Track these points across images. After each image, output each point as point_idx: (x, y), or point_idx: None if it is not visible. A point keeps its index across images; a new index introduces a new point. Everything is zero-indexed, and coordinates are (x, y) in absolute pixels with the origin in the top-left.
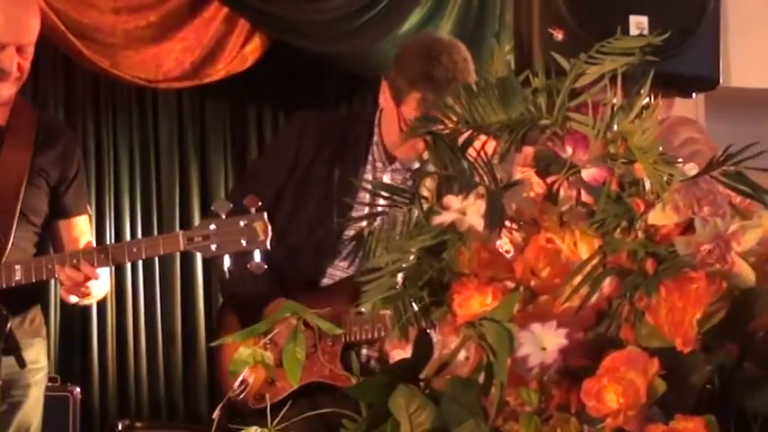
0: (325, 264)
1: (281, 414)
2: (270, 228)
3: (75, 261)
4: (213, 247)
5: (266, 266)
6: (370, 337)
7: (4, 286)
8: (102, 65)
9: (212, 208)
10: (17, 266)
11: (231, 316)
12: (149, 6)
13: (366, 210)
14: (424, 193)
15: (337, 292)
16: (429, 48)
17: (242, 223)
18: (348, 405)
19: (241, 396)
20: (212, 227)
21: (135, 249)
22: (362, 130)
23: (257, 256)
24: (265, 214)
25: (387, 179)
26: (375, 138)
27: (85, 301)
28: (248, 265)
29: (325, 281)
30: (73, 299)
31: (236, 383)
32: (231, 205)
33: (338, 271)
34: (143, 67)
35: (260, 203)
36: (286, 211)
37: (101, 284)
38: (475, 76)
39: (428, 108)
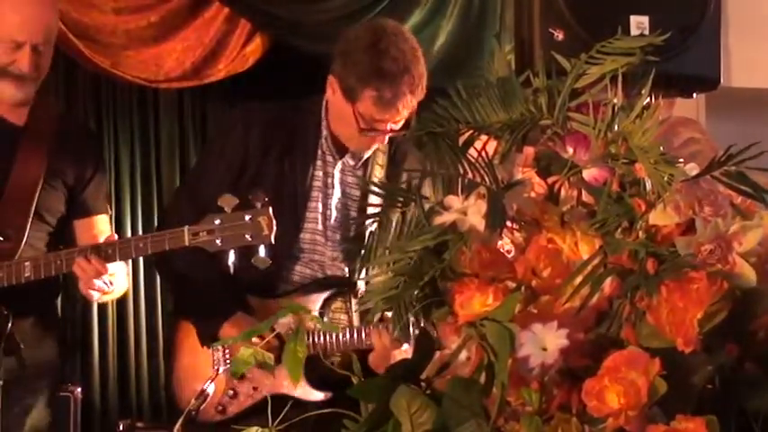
0: (279, 269)
1: (279, 416)
2: (275, 222)
3: (86, 255)
4: (218, 241)
5: (270, 261)
6: (333, 348)
7: (14, 283)
8: (102, 65)
9: (218, 203)
10: (26, 263)
11: (186, 324)
12: (150, 6)
13: (320, 210)
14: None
15: (297, 299)
16: (375, 40)
17: (247, 218)
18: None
19: (201, 407)
20: (217, 222)
21: (141, 245)
22: (310, 122)
23: (262, 250)
24: (270, 209)
25: (337, 173)
26: (324, 132)
27: (105, 298)
28: (252, 260)
29: (282, 285)
30: (95, 294)
31: (195, 396)
32: (237, 200)
33: (295, 276)
34: (144, 67)
35: (266, 198)
36: None
37: (120, 280)
38: (423, 61)
39: (385, 105)
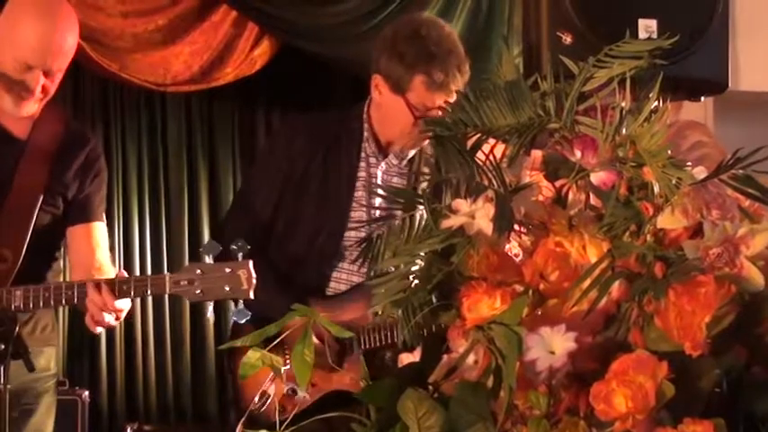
0: (330, 269)
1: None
2: (254, 276)
3: (69, 292)
4: (198, 291)
5: (250, 314)
6: (389, 342)
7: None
8: (110, 68)
9: (200, 250)
10: (18, 292)
11: (249, 329)
12: (158, 10)
13: (365, 210)
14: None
15: (352, 298)
16: (416, 28)
17: (227, 270)
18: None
19: (263, 409)
20: (198, 271)
21: (125, 287)
22: (353, 127)
23: (241, 303)
24: (251, 262)
25: (380, 173)
26: (365, 134)
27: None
28: (230, 314)
29: (334, 285)
30: (98, 329)
31: (257, 397)
32: (220, 248)
33: (343, 274)
34: (151, 70)
35: (248, 248)
36: (285, 221)
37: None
38: (461, 47)
39: (438, 87)
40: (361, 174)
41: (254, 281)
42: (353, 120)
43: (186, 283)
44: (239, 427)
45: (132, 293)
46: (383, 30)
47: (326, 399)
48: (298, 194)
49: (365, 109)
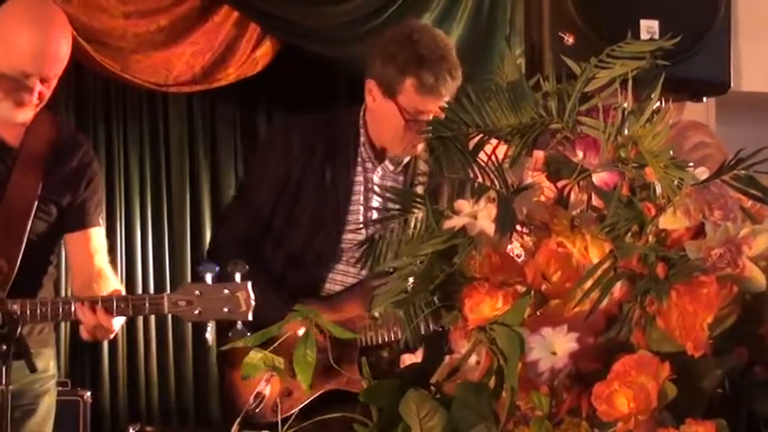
0: (326, 270)
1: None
2: (252, 298)
3: (67, 306)
4: (196, 312)
5: (249, 333)
6: (386, 341)
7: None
8: (112, 69)
9: (199, 269)
10: (14, 306)
11: None
12: (160, 10)
13: (361, 212)
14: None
15: (348, 298)
16: (408, 33)
17: (225, 291)
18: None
19: (258, 409)
20: (197, 292)
21: (122, 306)
22: (350, 131)
23: (240, 324)
24: (249, 284)
25: (377, 179)
26: (362, 138)
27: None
28: (230, 334)
29: (328, 286)
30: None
31: (252, 397)
32: (217, 267)
33: (339, 275)
34: (153, 71)
35: (246, 267)
36: (282, 221)
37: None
38: (455, 55)
39: (428, 91)
40: (358, 178)
41: (253, 302)
42: (349, 124)
43: (185, 303)
44: (235, 427)
45: (130, 313)
46: (379, 36)
47: (323, 398)
48: (295, 198)
49: (361, 114)
